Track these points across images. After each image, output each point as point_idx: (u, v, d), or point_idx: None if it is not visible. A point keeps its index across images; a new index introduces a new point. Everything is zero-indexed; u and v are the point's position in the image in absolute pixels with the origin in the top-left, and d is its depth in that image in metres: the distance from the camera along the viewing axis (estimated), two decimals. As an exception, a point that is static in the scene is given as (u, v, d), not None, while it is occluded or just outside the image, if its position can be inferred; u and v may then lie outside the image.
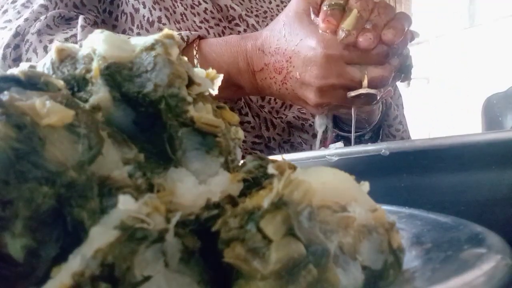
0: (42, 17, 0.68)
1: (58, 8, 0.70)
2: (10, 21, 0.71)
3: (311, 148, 0.82)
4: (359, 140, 0.84)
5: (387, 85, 0.58)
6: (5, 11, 0.73)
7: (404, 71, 0.60)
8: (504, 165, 0.35)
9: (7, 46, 0.67)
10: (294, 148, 0.80)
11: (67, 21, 0.70)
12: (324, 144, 0.86)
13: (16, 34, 0.67)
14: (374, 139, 0.84)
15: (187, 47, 0.64)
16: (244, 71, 0.63)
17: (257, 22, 0.80)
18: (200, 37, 0.66)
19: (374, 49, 0.56)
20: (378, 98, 0.58)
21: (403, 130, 0.84)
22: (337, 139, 0.89)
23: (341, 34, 0.56)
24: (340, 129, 0.81)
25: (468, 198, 0.36)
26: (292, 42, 0.58)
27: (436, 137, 0.38)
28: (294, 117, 0.78)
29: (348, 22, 0.56)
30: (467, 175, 0.36)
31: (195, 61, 0.64)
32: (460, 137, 0.36)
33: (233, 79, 0.64)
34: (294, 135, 0.80)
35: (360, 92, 0.56)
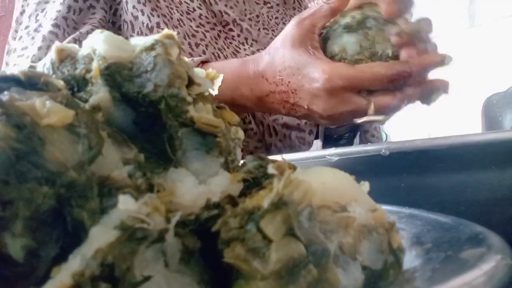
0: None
1: (67, 33, 0.72)
2: (26, 48, 0.73)
3: (309, 147, 0.82)
4: (335, 143, 0.85)
5: (397, 111, 0.57)
6: (20, 38, 0.75)
7: (423, 102, 0.56)
8: (504, 165, 0.35)
9: None
10: (293, 150, 0.80)
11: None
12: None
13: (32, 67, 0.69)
14: (349, 141, 0.85)
15: None
16: (247, 96, 0.63)
17: (250, 26, 0.81)
18: (203, 62, 0.66)
19: (377, 74, 0.54)
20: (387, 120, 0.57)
21: (377, 137, 0.85)
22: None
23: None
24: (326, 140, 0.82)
25: (468, 198, 0.36)
26: (295, 76, 0.58)
27: (436, 137, 0.38)
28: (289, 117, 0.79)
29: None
30: (467, 175, 0.36)
31: None
32: (460, 137, 0.36)
33: (238, 102, 0.64)
34: (292, 136, 0.80)
35: (365, 120, 0.56)
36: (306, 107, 0.58)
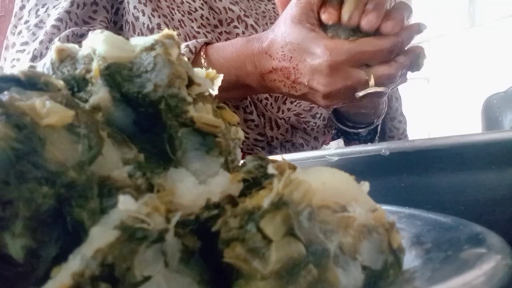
0: (56, 38, 0.69)
1: (69, 27, 0.71)
2: (26, 43, 0.72)
3: (312, 149, 0.82)
4: (357, 137, 0.85)
5: (395, 82, 0.59)
6: (20, 33, 0.74)
7: (414, 69, 0.61)
8: (504, 165, 0.35)
9: None
10: (295, 148, 0.81)
11: (81, 37, 0.70)
12: (325, 142, 0.86)
13: (34, 58, 0.69)
14: (372, 136, 0.85)
15: (195, 56, 0.65)
16: (252, 73, 0.63)
17: (256, 23, 0.81)
18: (206, 43, 0.66)
19: (377, 46, 0.56)
20: (387, 93, 0.60)
21: (404, 122, 0.86)
22: (337, 135, 0.90)
23: (345, 17, 0.57)
24: (343, 124, 0.81)
25: (468, 198, 0.36)
26: (296, 51, 0.59)
27: (436, 137, 0.38)
28: (296, 119, 0.79)
29: (347, 7, 0.57)
30: (467, 175, 0.36)
31: (203, 68, 0.64)
32: (460, 137, 0.36)
33: (242, 81, 0.64)
34: (296, 136, 0.80)
35: (367, 92, 0.57)
36: (306, 84, 0.59)
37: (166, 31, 0.23)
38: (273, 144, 0.78)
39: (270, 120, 0.77)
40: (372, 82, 0.57)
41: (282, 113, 0.79)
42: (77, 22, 0.73)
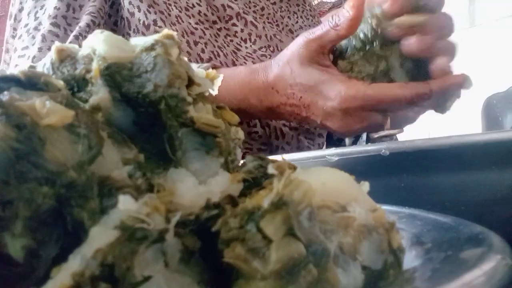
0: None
1: (70, 32, 0.70)
2: (27, 47, 0.71)
3: (318, 147, 0.82)
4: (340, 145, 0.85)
5: (412, 123, 0.56)
6: (20, 36, 0.73)
7: (437, 111, 0.54)
8: (504, 165, 0.35)
9: None
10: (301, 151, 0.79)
11: None
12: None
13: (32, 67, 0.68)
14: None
15: None
16: (256, 106, 0.61)
17: (255, 19, 0.79)
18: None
19: (396, 95, 0.52)
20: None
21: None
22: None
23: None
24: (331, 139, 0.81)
25: (468, 198, 0.36)
26: (307, 92, 0.56)
27: (436, 137, 0.38)
28: (298, 123, 0.78)
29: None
30: (467, 175, 0.36)
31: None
32: (460, 137, 0.36)
33: (246, 111, 0.62)
34: (301, 139, 0.79)
35: (381, 135, 0.55)
36: (319, 122, 0.57)
37: (166, 31, 0.23)
38: (278, 153, 0.77)
39: (275, 129, 0.75)
40: (388, 125, 0.54)
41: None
42: (78, 23, 0.71)
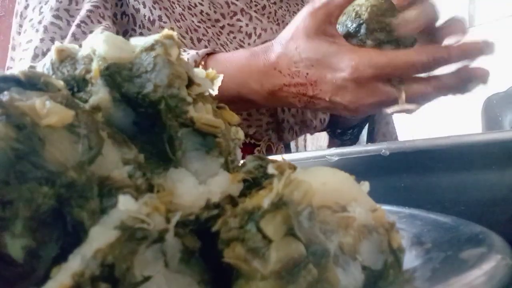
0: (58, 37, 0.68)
1: (72, 22, 0.69)
2: (31, 41, 0.70)
3: (320, 122, 0.80)
4: (341, 138, 0.84)
5: (430, 100, 0.52)
6: (25, 31, 0.73)
7: (459, 92, 0.50)
8: (504, 165, 0.35)
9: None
10: (305, 126, 0.78)
11: None
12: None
13: (35, 56, 0.67)
14: (353, 140, 0.84)
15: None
16: (257, 91, 0.58)
17: (257, 16, 0.80)
18: (208, 54, 0.61)
19: (411, 59, 0.49)
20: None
21: (389, 135, 0.84)
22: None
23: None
24: (332, 132, 0.80)
25: (468, 198, 0.36)
26: (314, 67, 0.53)
27: (436, 137, 0.38)
28: None
29: None
30: (467, 175, 0.36)
31: None
32: (460, 137, 0.36)
33: (245, 97, 0.59)
34: (305, 112, 0.76)
35: (395, 110, 0.51)
36: (327, 99, 0.53)
37: (166, 31, 0.23)
38: (284, 126, 0.74)
39: None
40: (402, 99, 0.50)
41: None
42: (79, 14, 0.70)
